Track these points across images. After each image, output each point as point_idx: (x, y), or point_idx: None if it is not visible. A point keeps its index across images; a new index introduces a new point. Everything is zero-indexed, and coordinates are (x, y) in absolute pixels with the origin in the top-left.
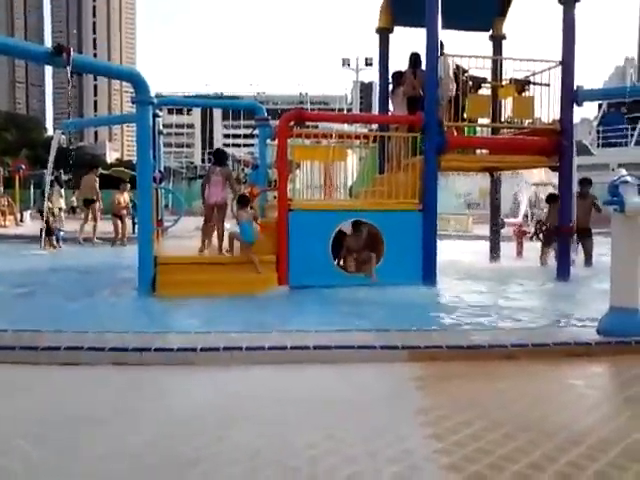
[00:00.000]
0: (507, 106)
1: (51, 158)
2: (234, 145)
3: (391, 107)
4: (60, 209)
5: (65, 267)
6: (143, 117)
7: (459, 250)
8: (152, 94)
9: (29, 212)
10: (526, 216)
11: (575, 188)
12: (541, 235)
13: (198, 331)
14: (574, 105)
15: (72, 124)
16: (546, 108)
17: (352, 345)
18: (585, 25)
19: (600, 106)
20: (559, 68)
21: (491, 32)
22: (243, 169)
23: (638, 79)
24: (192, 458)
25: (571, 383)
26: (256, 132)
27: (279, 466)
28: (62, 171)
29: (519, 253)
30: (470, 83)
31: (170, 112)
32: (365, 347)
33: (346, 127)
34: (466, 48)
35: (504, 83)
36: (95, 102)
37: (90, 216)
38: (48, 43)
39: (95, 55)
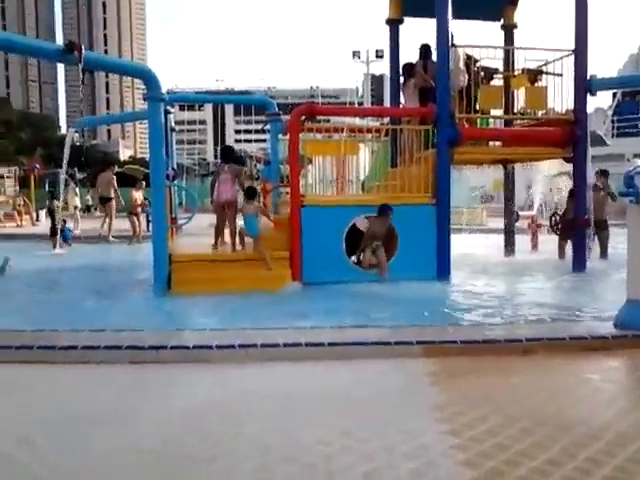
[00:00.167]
0: (520, 97)
1: (65, 157)
2: (246, 141)
3: (403, 99)
4: (75, 207)
5: (81, 266)
6: (155, 114)
7: (473, 244)
8: (163, 90)
9: (44, 211)
10: (541, 208)
11: (590, 180)
12: (556, 227)
13: (213, 328)
14: (588, 94)
15: (85, 122)
16: (559, 98)
17: (366, 341)
18: (598, 13)
19: (614, 95)
20: (572, 57)
21: (502, 21)
22: (255, 165)
23: None
24: (209, 455)
25: (587, 377)
26: (267, 127)
27: (294, 463)
28: (76, 169)
29: (534, 246)
30: (482, 74)
31: (182, 108)
32: (379, 343)
33: (357, 121)
34: (477, 38)
35: (516, 73)
36: (107, 99)
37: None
38: (59, 40)
39: (106, 52)
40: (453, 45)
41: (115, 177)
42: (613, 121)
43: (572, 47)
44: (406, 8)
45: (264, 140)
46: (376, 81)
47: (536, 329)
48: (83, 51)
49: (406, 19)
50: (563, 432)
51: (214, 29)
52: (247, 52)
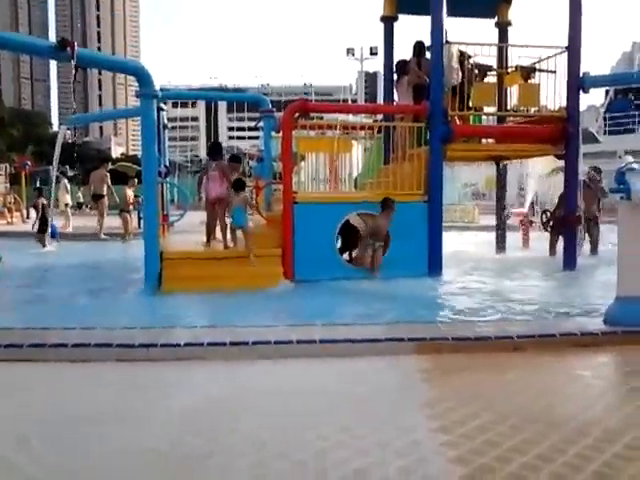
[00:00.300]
0: (513, 94)
1: (56, 154)
2: (239, 138)
3: (396, 97)
4: (67, 205)
5: (72, 264)
6: (147, 111)
7: (465, 241)
8: (156, 87)
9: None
10: (532, 205)
11: (581, 176)
12: (547, 224)
13: (204, 326)
14: (580, 92)
15: (77, 119)
16: (552, 95)
17: (358, 338)
18: (591, 10)
19: (607, 93)
20: (565, 54)
21: (496, 19)
22: (248, 162)
23: None
24: (206, 452)
25: (578, 374)
26: (260, 124)
27: (288, 459)
28: (68, 167)
29: (525, 243)
30: (476, 71)
31: (175, 105)
32: (371, 340)
33: (351, 118)
34: (471, 35)
35: (510, 70)
36: (100, 96)
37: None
38: (53, 38)
39: (99, 49)
40: (447, 42)
41: (109, 174)
42: (605, 118)
43: (565, 44)
44: (401, 5)
45: (257, 137)
46: (370, 78)
47: (527, 326)
48: (76, 48)
49: (400, 16)
50: (553, 428)
51: (208, 26)
52: (241, 49)
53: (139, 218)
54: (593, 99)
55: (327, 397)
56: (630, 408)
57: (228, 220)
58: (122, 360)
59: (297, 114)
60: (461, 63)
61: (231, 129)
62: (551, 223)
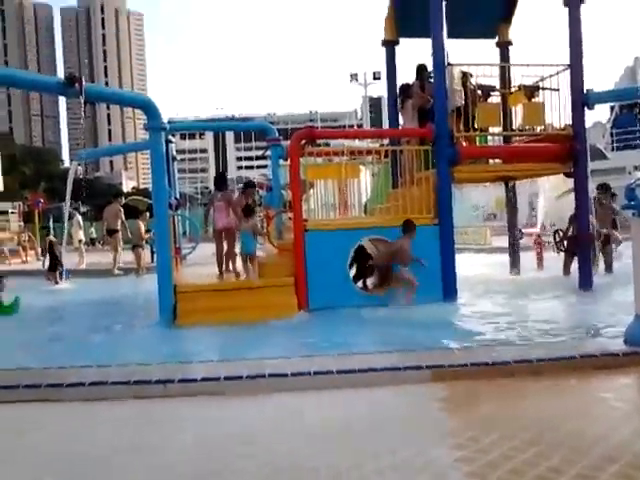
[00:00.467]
0: (518, 113)
1: (68, 190)
2: (247, 167)
3: (401, 120)
4: (80, 241)
5: (87, 300)
6: (156, 144)
7: (479, 263)
8: (164, 120)
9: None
10: (544, 225)
11: (591, 194)
12: (561, 244)
13: (220, 360)
14: (585, 108)
15: (87, 154)
16: (557, 113)
17: (375, 367)
18: (592, 26)
19: (612, 108)
20: (568, 72)
21: (497, 39)
22: (258, 191)
23: None
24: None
25: (601, 396)
26: (268, 153)
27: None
28: (80, 202)
29: (539, 264)
30: (479, 92)
31: (183, 137)
32: (389, 369)
33: (357, 143)
34: (473, 56)
35: (513, 90)
36: (109, 131)
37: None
38: (61, 74)
39: (107, 83)
40: (449, 64)
41: (122, 209)
42: (612, 134)
43: (567, 62)
44: (401, 29)
45: (265, 166)
46: (374, 103)
47: (546, 349)
48: (84, 83)
49: (402, 40)
50: (580, 454)
51: (213, 58)
52: (246, 80)
53: (152, 252)
54: (599, 115)
55: (346, 430)
56: None
57: (237, 249)
58: (139, 397)
59: (304, 141)
60: (463, 84)
61: (239, 159)
62: (565, 243)
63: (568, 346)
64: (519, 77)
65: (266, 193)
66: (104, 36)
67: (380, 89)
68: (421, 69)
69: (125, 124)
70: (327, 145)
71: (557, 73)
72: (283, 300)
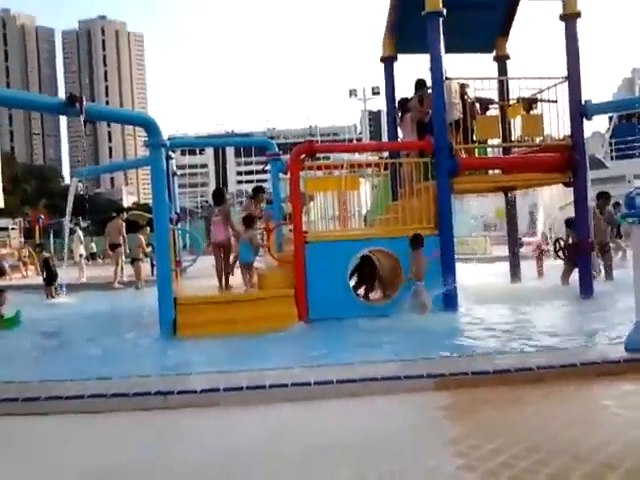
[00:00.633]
0: (516, 125)
1: (69, 206)
2: (247, 182)
3: (400, 134)
4: (81, 256)
5: (87, 313)
6: (156, 160)
7: (479, 273)
8: (164, 136)
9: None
10: (545, 235)
11: (591, 203)
12: (560, 253)
13: (220, 371)
14: (584, 119)
15: (88, 172)
16: (556, 124)
17: (376, 377)
18: (590, 38)
19: (611, 118)
20: (566, 83)
21: (494, 53)
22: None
23: None
24: None
25: (602, 404)
26: (268, 167)
27: None
28: (80, 218)
29: (540, 272)
30: (477, 105)
31: (183, 153)
32: (390, 378)
33: (357, 156)
34: (471, 69)
35: (511, 103)
36: (110, 148)
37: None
38: (62, 94)
39: (107, 102)
40: (447, 78)
41: (124, 224)
42: (611, 144)
43: (565, 74)
44: (399, 45)
45: (265, 180)
46: (374, 117)
47: (547, 356)
48: (84, 103)
49: (400, 56)
50: (580, 462)
51: (213, 75)
52: (246, 95)
53: (152, 265)
54: (597, 125)
55: (347, 441)
56: None
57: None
58: (139, 409)
59: (304, 155)
60: (461, 95)
61: (239, 173)
62: (565, 251)
63: (569, 353)
64: (517, 90)
65: (266, 206)
66: (105, 57)
67: (379, 103)
68: (420, 84)
69: (126, 141)
70: (327, 159)
71: (555, 85)
72: (283, 311)
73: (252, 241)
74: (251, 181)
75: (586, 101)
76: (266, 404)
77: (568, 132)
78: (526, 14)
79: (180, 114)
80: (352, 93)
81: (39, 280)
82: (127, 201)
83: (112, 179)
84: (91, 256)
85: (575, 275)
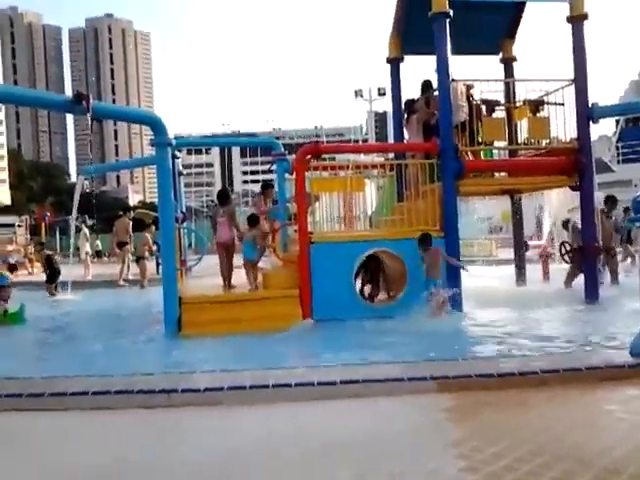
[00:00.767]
0: (523, 128)
1: (75, 204)
2: (253, 182)
3: (406, 135)
4: (87, 253)
5: (92, 311)
6: (163, 159)
7: (484, 275)
8: (170, 136)
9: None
10: (552, 238)
11: (598, 206)
12: (566, 257)
13: (224, 370)
14: (590, 122)
15: (94, 169)
16: (562, 127)
17: (379, 378)
18: (597, 40)
19: (618, 122)
20: (572, 86)
21: (501, 55)
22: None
23: None
24: None
25: (606, 408)
26: (274, 167)
27: None
28: (87, 216)
29: (545, 276)
30: (483, 107)
31: (189, 152)
32: (393, 380)
33: (362, 157)
34: (477, 71)
35: (518, 105)
36: (116, 146)
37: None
38: (69, 91)
39: (114, 100)
40: (453, 80)
41: (131, 222)
42: (618, 147)
43: (572, 76)
44: (405, 47)
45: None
46: (379, 118)
47: (551, 360)
48: (91, 101)
49: (406, 57)
50: (584, 466)
51: (220, 74)
52: (252, 96)
53: (157, 264)
54: (604, 128)
55: (349, 441)
56: None
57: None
58: (143, 407)
59: (309, 156)
60: (467, 97)
61: (245, 173)
62: (570, 255)
63: (573, 357)
64: (524, 92)
65: (271, 205)
66: (111, 55)
67: (385, 104)
68: (426, 85)
69: (132, 139)
70: (333, 159)
71: (562, 87)
72: (288, 311)
73: (256, 240)
74: (257, 181)
75: (593, 104)
76: (269, 404)
77: (575, 135)
78: (533, 16)
79: (186, 114)
80: (358, 94)
81: (44, 277)
82: (133, 199)
83: (118, 177)
84: (97, 254)
85: (579, 279)
